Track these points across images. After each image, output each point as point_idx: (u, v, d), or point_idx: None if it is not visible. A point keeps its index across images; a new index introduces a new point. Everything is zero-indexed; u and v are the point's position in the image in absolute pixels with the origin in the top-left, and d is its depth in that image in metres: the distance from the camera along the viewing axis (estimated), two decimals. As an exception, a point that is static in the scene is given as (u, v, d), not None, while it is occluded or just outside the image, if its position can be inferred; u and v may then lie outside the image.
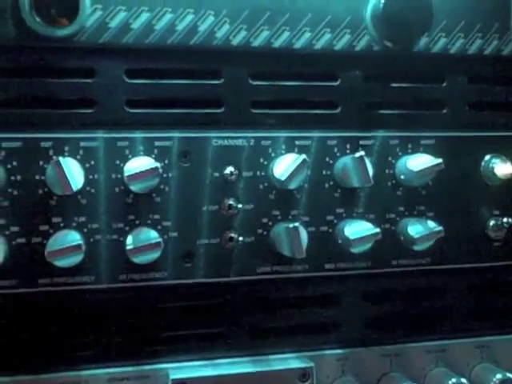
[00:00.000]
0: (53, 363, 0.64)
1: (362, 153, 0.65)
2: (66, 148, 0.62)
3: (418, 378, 0.72)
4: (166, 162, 0.65)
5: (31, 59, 0.62)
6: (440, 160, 0.67)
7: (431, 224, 0.69)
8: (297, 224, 0.64)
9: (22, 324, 0.64)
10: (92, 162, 0.63)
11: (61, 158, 0.59)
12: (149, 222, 0.64)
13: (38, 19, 0.59)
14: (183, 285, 0.66)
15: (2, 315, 0.63)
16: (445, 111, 0.72)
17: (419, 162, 0.68)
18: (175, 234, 0.65)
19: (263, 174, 0.67)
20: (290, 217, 0.68)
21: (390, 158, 0.70)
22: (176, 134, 0.65)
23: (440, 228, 0.68)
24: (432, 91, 0.72)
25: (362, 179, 0.66)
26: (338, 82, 0.69)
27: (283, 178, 0.64)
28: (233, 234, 0.67)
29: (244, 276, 0.68)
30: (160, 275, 0.65)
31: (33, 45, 0.61)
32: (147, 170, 0.61)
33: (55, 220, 0.63)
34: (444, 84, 0.72)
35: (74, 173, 0.60)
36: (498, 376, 0.71)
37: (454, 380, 0.70)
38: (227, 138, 0.66)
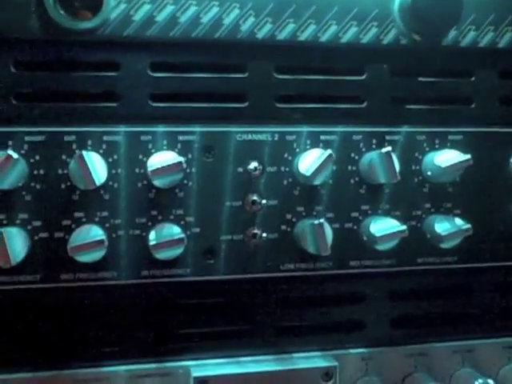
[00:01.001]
0: (74, 359, 0.64)
1: (388, 148, 0.64)
2: (89, 142, 0.62)
3: (443, 379, 0.71)
4: (189, 156, 0.64)
5: (55, 53, 0.61)
6: (468, 156, 0.66)
7: (459, 221, 0.67)
8: (322, 220, 0.63)
9: (43, 319, 0.63)
10: (115, 157, 0.62)
11: (84, 152, 0.58)
12: (171, 217, 0.64)
13: (61, 12, 0.59)
14: (205, 281, 0.66)
15: (24, 310, 0.63)
16: (473, 106, 0.70)
17: (447, 158, 0.67)
18: (198, 230, 0.65)
19: (287, 169, 0.66)
20: (315, 213, 0.67)
21: (416, 154, 0.69)
22: (199, 129, 0.64)
23: (468, 226, 0.66)
24: (460, 86, 0.70)
25: (388, 175, 0.64)
26: (364, 76, 0.67)
27: (308, 174, 0.63)
28: (256, 231, 0.66)
29: (267, 273, 0.67)
30: (182, 271, 0.65)
31: (56, 38, 0.60)
32: (171, 165, 0.60)
33: (77, 215, 0.62)
34: (473, 78, 0.70)
35: (97, 167, 0.59)
36: (526, 377, 0.70)
37: (480, 381, 0.69)
38: (251, 132, 0.65)
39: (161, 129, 0.63)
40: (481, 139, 0.70)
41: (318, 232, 0.63)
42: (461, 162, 0.66)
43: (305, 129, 0.66)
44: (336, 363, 0.66)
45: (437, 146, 0.69)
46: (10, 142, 0.60)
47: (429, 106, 0.69)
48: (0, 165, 0.57)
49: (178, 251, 0.61)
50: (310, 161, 0.64)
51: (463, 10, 0.66)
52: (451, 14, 0.66)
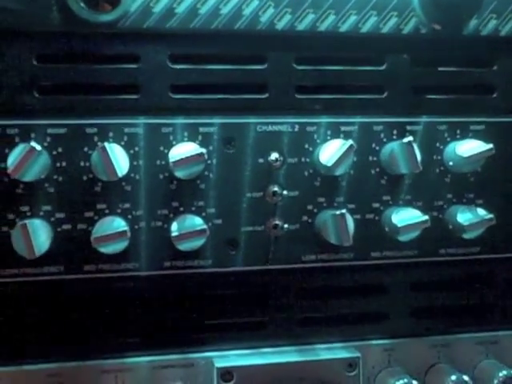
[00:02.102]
0: (97, 350, 0.65)
1: (410, 138, 0.64)
2: (111, 134, 0.62)
3: (466, 370, 0.70)
4: (210, 148, 0.64)
5: (76, 45, 0.62)
6: (491, 145, 0.65)
7: (481, 212, 0.67)
8: (344, 211, 0.63)
9: (66, 310, 0.64)
10: (136, 148, 0.63)
11: (106, 144, 0.59)
12: (193, 208, 0.64)
13: (82, 5, 0.59)
14: (227, 273, 0.66)
15: (47, 301, 0.63)
16: (495, 96, 0.70)
17: (469, 148, 0.66)
18: (219, 221, 0.65)
19: (308, 160, 0.66)
20: (335, 204, 0.67)
21: (437, 144, 0.68)
22: (220, 120, 0.64)
23: (491, 215, 0.66)
24: (482, 75, 0.70)
25: (410, 165, 0.64)
26: (384, 66, 0.67)
27: (329, 164, 0.63)
28: (277, 222, 0.66)
29: (289, 264, 0.67)
30: (204, 263, 0.65)
31: (77, 31, 0.61)
32: (193, 156, 0.60)
33: (100, 206, 0.62)
34: (494, 68, 0.70)
35: (120, 158, 0.60)
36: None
37: (504, 372, 0.68)
38: (271, 123, 0.65)
39: (181, 120, 0.63)
40: (502, 129, 0.70)
41: (340, 222, 0.63)
42: (483, 151, 0.66)
43: (325, 119, 0.66)
44: (359, 354, 0.66)
45: (458, 136, 0.69)
46: (33, 135, 0.61)
47: (450, 95, 0.69)
48: (23, 157, 0.58)
49: (200, 242, 0.61)
50: (331, 151, 0.64)
51: (484, -2, 0.65)
52: (472, 3, 0.66)
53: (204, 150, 0.61)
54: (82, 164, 0.62)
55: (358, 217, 0.67)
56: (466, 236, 0.67)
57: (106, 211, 0.62)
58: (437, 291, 0.71)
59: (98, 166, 0.60)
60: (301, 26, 0.64)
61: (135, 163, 0.63)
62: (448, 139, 0.68)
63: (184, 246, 0.62)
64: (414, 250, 0.69)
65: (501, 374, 0.68)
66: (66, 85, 0.62)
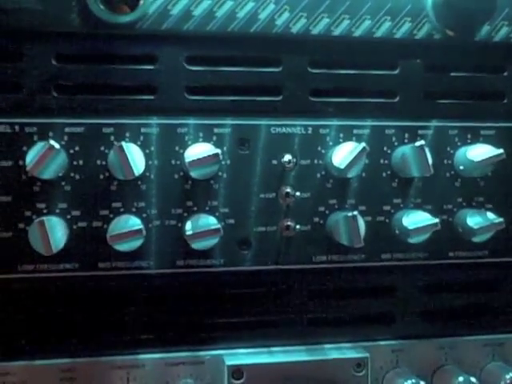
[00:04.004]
0: (111, 346, 0.65)
1: (422, 142, 0.65)
2: (127, 134, 0.63)
3: (473, 372, 0.71)
4: (224, 149, 0.65)
5: (94, 46, 0.63)
6: (501, 150, 0.66)
7: (491, 215, 0.67)
8: (355, 212, 0.64)
9: (81, 307, 0.65)
10: (152, 148, 0.64)
11: (123, 143, 0.60)
12: (206, 208, 0.65)
13: (101, 7, 0.60)
14: (239, 272, 0.67)
15: (62, 298, 0.64)
16: (505, 101, 0.71)
17: (480, 153, 0.67)
18: (232, 221, 0.66)
19: (320, 162, 0.67)
20: (347, 206, 0.67)
21: (448, 149, 0.69)
22: (234, 122, 0.65)
23: (501, 219, 0.67)
24: (493, 81, 0.70)
25: (421, 168, 0.65)
26: (397, 71, 0.68)
27: (342, 167, 0.64)
28: (289, 222, 0.66)
29: (300, 264, 0.67)
30: (217, 262, 0.66)
31: (96, 32, 0.62)
32: (209, 156, 0.61)
33: (115, 205, 0.63)
34: (505, 74, 0.70)
35: (136, 158, 0.61)
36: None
37: (511, 374, 0.69)
38: (285, 125, 0.66)
39: (197, 121, 0.64)
40: (513, 134, 0.71)
41: (352, 224, 0.64)
42: (493, 156, 0.67)
43: (338, 122, 0.67)
44: (367, 354, 0.67)
45: (469, 141, 0.70)
46: (51, 133, 0.62)
47: (461, 100, 0.70)
48: (42, 155, 0.59)
49: (213, 241, 0.62)
50: (343, 154, 0.64)
51: (497, 5, 0.66)
52: (484, 9, 0.66)
53: (219, 151, 0.62)
54: (98, 163, 0.63)
55: (369, 219, 0.68)
56: (475, 239, 0.68)
57: (122, 209, 0.63)
58: (445, 293, 0.71)
59: (115, 165, 0.61)
60: (315, 30, 0.65)
61: (150, 163, 0.64)
62: (459, 144, 0.69)
63: (198, 245, 0.62)
64: (423, 252, 0.69)
65: (508, 376, 0.69)
66: (84, 85, 0.63)
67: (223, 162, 0.65)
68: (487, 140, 0.69)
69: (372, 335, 0.70)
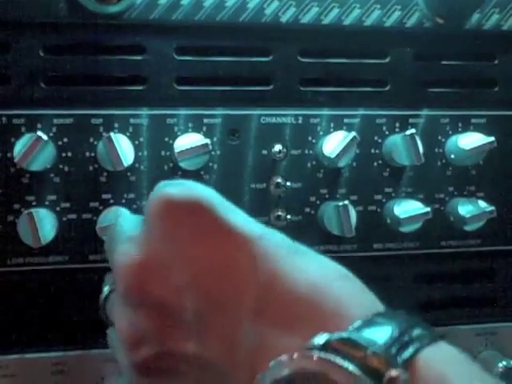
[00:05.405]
0: (102, 339, 0.65)
1: (412, 130, 0.64)
2: (116, 125, 0.63)
3: (466, 361, 0.71)
4: (214, 139, 0.64)
5: (82, 37, 0.62)
6: (492, 138, 0.66)
7: (482, 204, 0.67)
8: (346, 202, 0.64)
9: (72, 300, 0.64)
10: (141, 139, 0.63)
11: (112, 134, 0.59)
12: (197, 199, 0.64)
13: (88, -4, 0.60)
14: (230, 263, 0.66)
15: (52, 291, 0.64)
16: (496, 89, 0.70)
17: (471, 141, 0.67)
18: (223, 212, 0.65)
19: (311, 152, 0.66)
20: (338, 196, 0.67)
21: (439, 137, 0.69)
22: (224, 112, 0.65)
23: (492, 208, 0.67)
24: (483, 69, 0.70)
25: (412, 157, 0.65)
26: (387, 60, 0.68)
27: (333, 156, 0.63)
28: (280, 213, 0.66)
29: (291, 255, 0.67)
30: (209, 253, 0.65)
31: (83, 22, 0.61)
32: (197, 147, 0.61)
33: (105, 196, 0.63)
34: (496, 62, 0.70)
35: (125, 148, 0.60)
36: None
37: (504, 363, 0.69)
38: (275, 115, 0.66)
39: (186, 112, 0.64)
40: (504, 122, 0.70)
41: (343, 214, 0.64)
42: (485, 144, 0.66)
43: (328, 112, 0.67)
44: (360, 344, 0.67)
45: (460, 129, 0.69)
46: (39, 125, 0.61)
47: (452, 89, 0.69)
48: (30, 147, 0.58)
49: (204, 232, 0.62)
50: (334, 143, 0.64)
51: (487, -8, 0.66)
52: (475, -3, 0.66)
53: (208, 141, 0.61)
54: (87, 154, 0.62)
55: (361, 208, 0.67)
56: (466, 228, 0.68)
57: (111, 201, 0.63)
58: (438, 283, 0.71)
59: (103, 156, 0.60)
60: (305, 19, 0.64)
61: (140, 154, 0.63)
62: (450, 132, 0.69)
63: (188, 236, 0.62)
64: (415, 241, 0.69)
65: (500, 365, 0.69)
66: (72, 76, 0.62)
67: (213, 153, 0.64)
68: (478, 128, 0.69)
69: (364, 325, 0.70)
